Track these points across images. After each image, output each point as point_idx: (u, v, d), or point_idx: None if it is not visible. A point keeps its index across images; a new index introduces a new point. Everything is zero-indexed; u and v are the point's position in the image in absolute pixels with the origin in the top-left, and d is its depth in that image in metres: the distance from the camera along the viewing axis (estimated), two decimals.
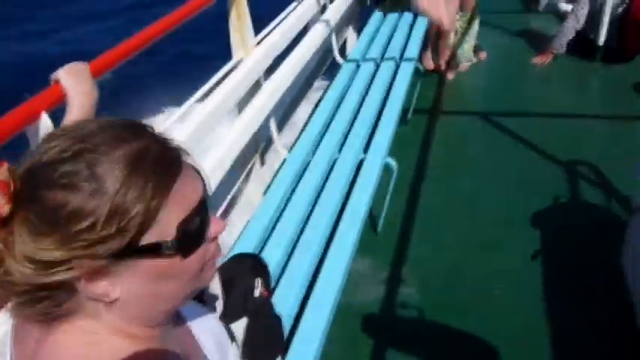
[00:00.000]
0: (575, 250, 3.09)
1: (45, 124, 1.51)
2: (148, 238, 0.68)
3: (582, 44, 5.41)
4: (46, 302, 0.69)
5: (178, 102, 2.51)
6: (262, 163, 3.17)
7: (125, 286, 0.71)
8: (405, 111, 4.03)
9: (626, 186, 3.39)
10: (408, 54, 4.36)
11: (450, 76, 5.27)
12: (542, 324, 2.65)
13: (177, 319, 0.92)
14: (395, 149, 3.36)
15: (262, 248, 2.39)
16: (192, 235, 0.73)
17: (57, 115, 1.49)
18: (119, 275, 0.70)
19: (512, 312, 2.72)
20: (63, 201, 0.65)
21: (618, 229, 2.94)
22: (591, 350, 2.53)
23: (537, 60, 5.46)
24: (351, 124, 3.37)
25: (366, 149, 3.14)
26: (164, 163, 0.70)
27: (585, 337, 2.59)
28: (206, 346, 0.93)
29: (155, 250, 0.69)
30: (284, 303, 2.10)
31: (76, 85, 1.34)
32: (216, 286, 1.54)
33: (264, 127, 3.07)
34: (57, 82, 1.37)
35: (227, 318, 1.52)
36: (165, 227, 0.69)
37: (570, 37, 5.33)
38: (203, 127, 2.46)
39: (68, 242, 0.65)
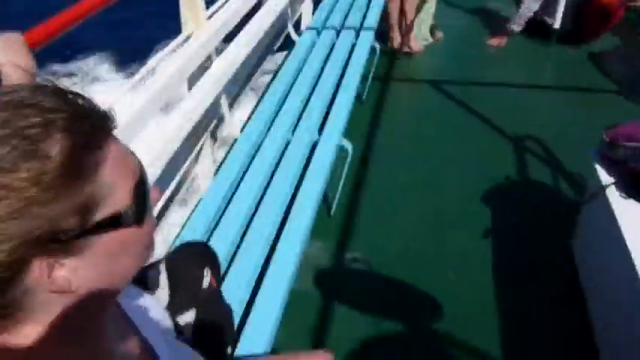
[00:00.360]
0: (526, 229, 3.11)
1: None
2: (105, 210, 0.62)
3: (538, 27, 5.45)
4: None
5: (124, 77, 2.38)
6: (213, 143, 3.06)
7: (85, 270, 0.63)
8: (359, 91, 3.97)
9: (578, 163, 3.39)
10: (365, 30, 4.29)
11: (415, 48, 5.22)
12: (494, 302, 2.66)
13: (120, 311, 0.86)
14: (350, 129, 3.29)
15: (212, 232, 2.31)
16: (144, 201, 0.69)
17: None
18: (79, 258, 0.62)
19: (465, 291, 2.72)
20: None
21: (570, 208, 2.98)
22: (542, 328, 2.55)
23: (493, 41, 5.46)
24: (306, 104, 3.28)
25: (320, 130, 3.07)
26: (101, 122, 0.64)
27: (536, 315, 2.61)
28: (152, 337, 0.87)
29: (115, 221, 0.64)
30: (235, 290, 2.03)
31: (10, 58, 1.22)
32: (162, 277, 1.45)
33: (215, 106, 2.96)
34: None
35: (173, 310, 1.43)
36: (119, 196, 0.64)
37: (527, 19, 5.35)
38: (150, 104, 2.34)
39: (11, 230, 0.56)
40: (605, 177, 2.50)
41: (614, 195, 2.40)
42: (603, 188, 2.44)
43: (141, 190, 0.68)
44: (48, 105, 0.60)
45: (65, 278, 0.62)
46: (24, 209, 0.56)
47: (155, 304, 0.99)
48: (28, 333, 0.63)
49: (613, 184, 2.44)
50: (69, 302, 0.64)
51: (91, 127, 0.62)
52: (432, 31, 5.47)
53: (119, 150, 0.66)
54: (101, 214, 0.62)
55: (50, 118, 0.59)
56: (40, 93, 0.62)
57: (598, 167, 2.55)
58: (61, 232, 0.59)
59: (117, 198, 0.64)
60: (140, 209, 0.67)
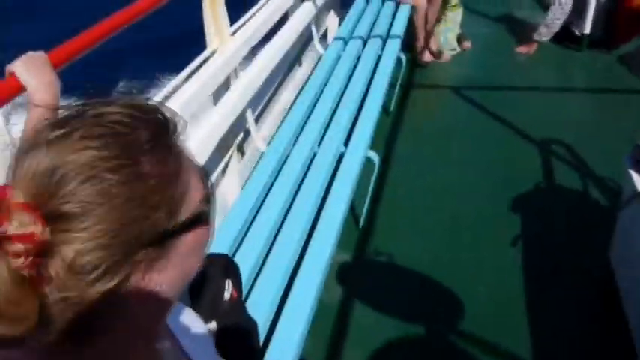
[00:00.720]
0: (558, 236, 3.06)
1: None
2: (187, 209, 0.64)
3: (567, 33, 5.36)
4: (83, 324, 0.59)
5: (149, 94, 2.41)
6: (240, 157, 3.07)
7: (169, 270, 0.64)
8: (386, 102, 3.95)
9: (612, 170, 3.36)
10: (391, 41, 4.28)
11: (428, 58, 5.19)
12: (526, 310, 2.62)
13: None
14: (376, 140, 3.28)
15: (239, 245, 2.31)
16: (210, 199, 0.70)
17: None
18: (168, 259, 0.63)
19: (496, 299, 2.68)
20: (106, 193, 0.58)
21: (603, 214, 2.97)
22: (575, 336, 2.51)
23: (522, 49, 5.40)
24: (332, 116, 3.28)
25: (347, 142, 3.06)
26: (176, 130, 0.67)
27: (569, 322, 2.57)
28: (189, 346, 0.86)
29: (197, 219, 0.66)
30: (261, 303, 2.03)
31: (35, 77, 1.25)
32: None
33: (241, 120, 2.98)
34: (11, 74, 1.27)
35: None
36: (195, 195, 0.66)
37: (556, 28, 5.27)
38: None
39: (120, 237, 0.58)
40: (638, 183, 2.44)
41: None
42: (638, 195, 2.38)
43: (209, 188, 0.70)
44: (136, 115, 0.64)
45: (157, 281, 0.62)
46: (127, 213, 0.58)
47: (190, 313, 0.99)
48: (99, 337, 0.62)
49: None
50: (147, 311, 0.65)
51: (172, 133, 0.66)
52: (459, 41, 5.43)
53: (188, 152, 0.68)
54: (184, 213, 0.64)
55: (139, 128, 0.62)
56: (121, 105, 0.65)
57: (633, 173, 2.49)
58: (158, 234, 0.60)
59: (194, 197, 0.65)
60: (210, 207, 0.69)
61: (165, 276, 0.64)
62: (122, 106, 0.65)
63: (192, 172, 0.66)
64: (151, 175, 0.60)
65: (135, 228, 0.58)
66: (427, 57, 5.14)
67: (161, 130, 0.64)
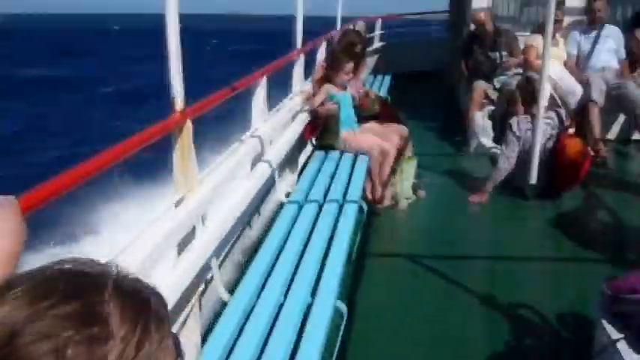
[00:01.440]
0: None
1: None
2: None
3: (514, 183, 5.61)
4: None
5: (116, 241, 2.31)
6: (201, 308, 2.92)
7: None
8: (349, 252, 3.93)
9: (576, 320, 3.38)
10: (350, 193, 4.35)
11: (386, 202, 5.34)
12: None
13: None
14: (341, 292, 3.20)
15: None
16: None
17: None
18: None
19: None
20: None
21: None
22: None
23: (474, 198, 5.59)
24: (297, 266, 3.21)
25: (313, 293, 2.97)
26: (159, 309, 0.65)
27: None
28: None
29: None
30: None
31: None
32: None
33: (204, 270, 2.87)
34: None
35: None
36: None
37: (502, 178, 5.53)
38: (141, 268, 2.25)
39: None
40: (611, 331, 2.42)
41: (624, 350, 2.31)
42: (613, 343, 2.35)
43: None
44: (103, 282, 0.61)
45: None
46: None
47: None
48: None
49: (622, 339, 2.35)
50: None
51: (140, 303, 0.63)
52: (414, 190, 5.60)
53: (168, 332, 0.66)
54: None
55: (108, 299, 0.59)
56: (86, 267, 0.63)
57: (604, 322, 2.48)
58: None
59: None
60: None
61: None
62: (88, 268, 0.62)
63: (164, 352, 0.63)
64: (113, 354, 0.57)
65: None
66: (384, 202, 5.28)
67: (132, 303, 0.61)
